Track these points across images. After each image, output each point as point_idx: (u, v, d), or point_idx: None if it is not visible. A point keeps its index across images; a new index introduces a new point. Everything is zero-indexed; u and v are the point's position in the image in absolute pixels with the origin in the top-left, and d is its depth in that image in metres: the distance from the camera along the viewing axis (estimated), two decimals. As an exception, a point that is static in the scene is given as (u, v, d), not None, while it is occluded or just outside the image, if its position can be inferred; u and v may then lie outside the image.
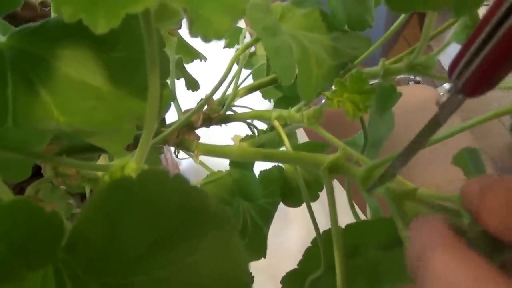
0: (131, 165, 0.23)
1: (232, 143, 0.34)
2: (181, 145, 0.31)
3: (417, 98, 0.35)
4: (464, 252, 0.15)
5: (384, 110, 0.42)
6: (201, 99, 0.32)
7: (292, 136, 0.46)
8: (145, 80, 0.19)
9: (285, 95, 0.43)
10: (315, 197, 0.39)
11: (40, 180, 0.26)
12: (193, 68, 0.43)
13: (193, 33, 0.16)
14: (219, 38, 0.16)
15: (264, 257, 0.39)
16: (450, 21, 0.28)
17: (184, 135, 0.33)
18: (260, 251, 0.38)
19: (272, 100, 0.46)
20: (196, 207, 0.16)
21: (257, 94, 0.40)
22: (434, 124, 0.18)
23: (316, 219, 0.30)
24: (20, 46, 0.20)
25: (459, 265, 0.14)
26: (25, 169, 0.22)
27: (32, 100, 0.19)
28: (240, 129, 0.40)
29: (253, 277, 0.32)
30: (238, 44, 0.36)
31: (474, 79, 0.15)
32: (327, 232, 0.29)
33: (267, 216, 0.38)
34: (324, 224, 0.28)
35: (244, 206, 0.37)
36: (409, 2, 0.21)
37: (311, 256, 0.30)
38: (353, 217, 0.34)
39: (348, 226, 0.29)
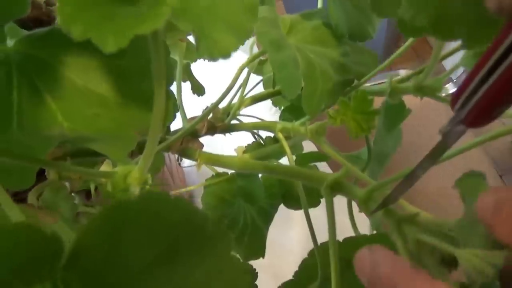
0: (134, 174, 0.23)
1: (235, 153, 0.34)
2: (184, 153, 0.31)
3: (415, 106, 0.35)
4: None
5: (393, 126, 0.42)
6: (207, 107, 0.32)
7: (297, 147, 0.46)
8: (150, 90, 0.19)
9: (292, 104, 0.43)
10: (316, 203, 0.39)
11: (43, 183, 0.26)
12: (200, 73, 0.43)
13: (200, 53, 0.16)
14: (225, 57, 0.16)
15: (263, 257, 0.39)
16: (453, 48, 0.28)
17: (188, 143, 0.33)
18: (259, 250, 0.38)
19: (280, 108, 0.47)
20: (196, 227, 0.16)
21: (264, 102, 0.40)
22: (437, 152, 0.18)
23: (319, 222, 0.30)
24: (27, 51, 0.20)
25: None
26: (29, 176, 0.22)
27: (37, 104, 0.19)
28: (244, 137, 0.40)
29: (257, 273, 0.32)
30: (242, 45, 0.36)
31: (477, 111, 0.16)
32: (325, 245, 0.29)
33: (267, 217, 0.39)
34: (325, 228, 0.28)
35: (245, 207, 0.38)
36: (420, 30, 0.21)
37: (307, 267, 0.31)
38: (353, 232, 0.34)
39: (346, 240, 0.29)
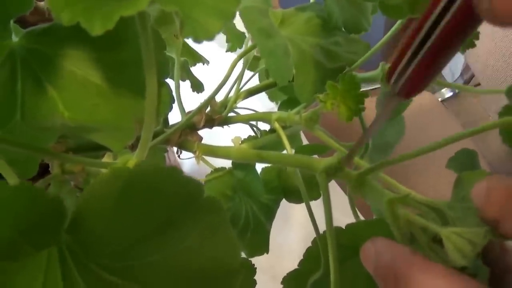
0: (133, 162, 0.24)
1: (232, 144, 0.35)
2: (183, 146, 0.33)
3: (414, 103, 0.36)
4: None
5: (393, 115, 0.43)
6: (204, 100, 0.33)
7: (296, 138, 0.47)
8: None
9: (289, 97, 0.44)
10: (317, 195, 0.40)
11: (47, 177, 0.27)
12: (198, 71, 0.44)
13: (184, 34, 0.17)
14: (209, 39, 0.18)
15: (267, 253, 0.40)
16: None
17: (186, 136, 0.34)
18: (262, 246, 0.39)
19: (278, 103, 0.47)
20: (190, 195, 0.17)
21: (262, 95, 0.41)
22: (380, 119, 0.22)
23: (319, 217, 0.31)
24: (30, 46, 0.22)
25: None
26: (32, 166, 0.24)
27: (40, 95, 0.21)
28: (243, 130, 0.41)
29: (255, 268, 0.33)
30: (240, 48, 0.37)
31: (410, 82, 0.18)
32: (326, 233, 0.29)
33: (269, 213, 0.39)
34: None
35: (247, 203, 0.38)
36: (399, 9, 0.22)
37: (311, 256, 0.31)
38: (354, 219, 0.34)
39: (348, 226, 0.29)
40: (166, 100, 0.23)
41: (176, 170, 0.17)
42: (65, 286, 0.17)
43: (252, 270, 0.35)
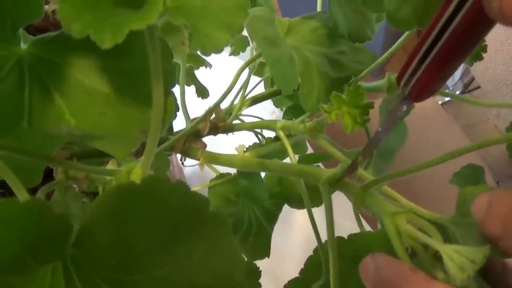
0: (137, 170, 0.24)
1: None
2: (187, 153, 0.33)
3: (416, 107, 0.37)
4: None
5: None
6: (209, 107, 0.34)
7: (301, 145, 0.47)
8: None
9: (295, 104, 0.45)
10: (319, 203, 0.40)
11: (51, 183, 0.28)
12: (203, 76, 0.45)
13: (193, 46, 0.17)
14: (217, 51, 0.18)
15: (268, 257, 0.40)
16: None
17: (190, 143, 0.34)
18: (264, 250, 0.39)
19: (283, 108, 0.48)
20: (196, 209, 0.17)
21: (266, 105, 0.41)
22: (389, 122, 0.22)
23: (321, 222, 0.31)
24: (39, 53, 0.22)
25: None
26: (37, 174, 0.24)
27: (46, 102, 0.21)
28: (248, 137, 0.41)
29: (260, 271, 0.33)
30: (243, 51, 0.38)
31: (419, 86, 0.18)
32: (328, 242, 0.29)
33: (272, 217, 0.40)
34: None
35: (250, 207, 0.39)
36: (407, 21, 0.22)
37: (313, 265, 0.31)
38: (358, 227, 0.35)
39: (350, 237, 0.29)
40: (171, 109, 0.23)
41: (182, 185, 0.17)
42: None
43: (257, 273, 0.36)
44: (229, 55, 0.40)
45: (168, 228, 0.17)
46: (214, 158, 0.32)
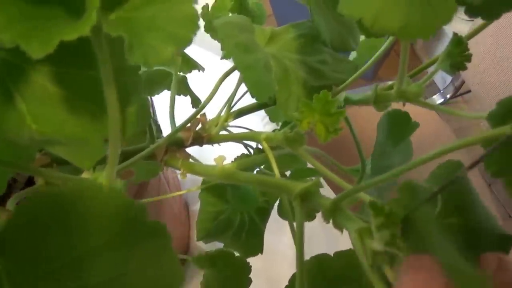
0: (101, 181, 0.25)
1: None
2: (167, 162, 0.33)
3: (406, 109, 0.36)
4: None
5: (399, 140, 0.42)
6: (190, 115, 0.34)
7: (297, 158, 0.47)
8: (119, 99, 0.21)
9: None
10: (312, 217, 0.40)
11: (21, 192, 0.29)
12: (197, 86, 0.45)
13: (134, 59, 0.17)
14: (162, 64, 0.18)
15: (261, 253, 0.41)
16: (436, 56, 0.28)
17: (174, 153, 0.35)
18: (257, 247, 0.40)
19: (278, 124, 0.48)
20: (133, 218, 0.17)
21: (256, 116, 0.41)
22: None
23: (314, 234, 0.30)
24: (5, 57, 0.23)
25: None
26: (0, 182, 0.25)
27: (8, 107, 0.22)
28: (239, 149, 0.42)
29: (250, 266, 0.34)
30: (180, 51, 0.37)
31: None
32: (310, 261, 0.29)
33: (264, 214, 0.40)
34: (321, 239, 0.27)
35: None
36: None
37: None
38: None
39: (338, 254, 0.29)
40: (132, 120, 0.23)
41: (117, 192, 0.17)
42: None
43: (248, 268, 0.36)
44: (221, 59, 0.41)
45: (102, 236, 0.17)
46: (194, 169, 0.32)
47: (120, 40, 0.22)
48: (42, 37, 0.15)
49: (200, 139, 0.36)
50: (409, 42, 0.24)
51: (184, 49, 0.19)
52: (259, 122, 0.64)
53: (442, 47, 0.30)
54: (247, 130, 0.39)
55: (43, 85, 0.23)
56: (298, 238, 0.26)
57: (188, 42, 0.19)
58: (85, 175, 0.32)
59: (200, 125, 0.37)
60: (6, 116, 0.22)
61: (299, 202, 0.27)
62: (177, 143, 0.35)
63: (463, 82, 0.87)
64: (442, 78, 0.98)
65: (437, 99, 0.84)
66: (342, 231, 0.27)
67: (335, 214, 0.25)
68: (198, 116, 0.36)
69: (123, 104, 0.21)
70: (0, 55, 0.23)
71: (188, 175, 0.34)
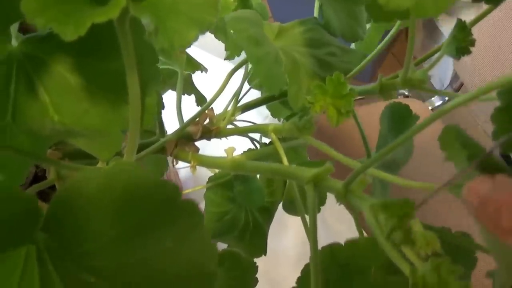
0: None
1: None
2: (178, 156, 0.34)
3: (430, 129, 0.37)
4: None
5: (400, 132, 0.43)
6: (200, 109, 0.35)
7: (300, 153, 0.48)
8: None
9: (293, 113, 0.45)
10: (323, 203, 0.40)
11: (40, 183, 0.29)
12: (201, 83, 0.46)
13: (159, 43, 0.18)
14: (184, 47, 0.19)
15: (265, 254, 0.41)
16: (438, 46, 0.29)
17: (183, 146, 0.35)
18: (260, 248, 0.40)
19: (280, 120, 0.48)
20: (166, 198, 0.18)
21: (262, 112, 0.42)
22: None
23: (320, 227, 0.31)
24: (28, 51, 0.24)
25: None
26: (21, 173, 0.25)
27: (31, 98, 0.23)
28: (245, 144, 0.42)
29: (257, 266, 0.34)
30: (238, 55, 0.39)
31: None
32: (323, 250, 0.29)
33: (268, 215, 0.41)
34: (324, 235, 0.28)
35: (246, 206, 0.40)
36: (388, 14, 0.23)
37: (309, 273, 0.31)
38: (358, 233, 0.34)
39: (348, 243, 0.29)
40: (153, 110, 0.24)
41: (152, 173, 0.18)
42: (41, 282, 0.18)
43: (255, 268, 0.36)
44: (224, 59, 0.42)
45: (139, 216, 0.18)
46: (204, 161, 0.33)
47: (139, 31, 0.23)
48: (74, 20, 0.16)
49: (208, 133, 0.36)
50: (416, 30, 0.25)
51: (206, 31, 0.20)
52: (261, 121, 0.65)
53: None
54: (252, 124, 0.40)
55: (65, 76, 0.23)
56: (312, 225, 0.27)
57: (210, 25, 0.20)
58: (100, 165, 0.32)
59: (208, 120, 0.37)
60: (30, 106, 0.22)
61: (312, 186, 0.27)
62: (186, 137, 0.35)
63: (461, 84, 0.89)
64: (440, 81, 0.99)
65: (436, 101, 0.86)
66: (355, 215, 0.28)
67: (347, 196, 0.26)
68: (206, 111, 0.37)
69: (142, 94, 0.22)
70: (25, 50, 0.23)
71: (191, 175, 0.34)
